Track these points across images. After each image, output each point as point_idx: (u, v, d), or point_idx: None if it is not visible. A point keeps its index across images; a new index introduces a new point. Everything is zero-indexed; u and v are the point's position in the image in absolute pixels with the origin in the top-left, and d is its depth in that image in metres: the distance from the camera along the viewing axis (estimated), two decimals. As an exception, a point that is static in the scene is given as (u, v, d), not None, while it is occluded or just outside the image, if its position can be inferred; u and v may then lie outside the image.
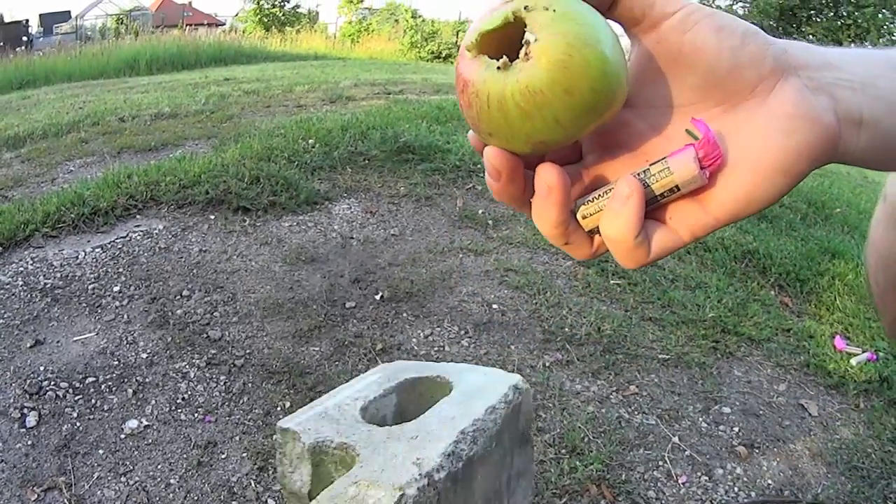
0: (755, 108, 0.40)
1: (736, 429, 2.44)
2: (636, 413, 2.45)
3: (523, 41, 0.37)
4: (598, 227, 0.43)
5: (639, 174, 0.41)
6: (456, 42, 21.85)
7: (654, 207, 0.42)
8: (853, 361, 2.87)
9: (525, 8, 0.38)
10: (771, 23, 15.42)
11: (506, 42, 0.39)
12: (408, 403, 1.36)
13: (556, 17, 0.37)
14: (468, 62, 0.40)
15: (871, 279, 0.71)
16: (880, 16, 14.62)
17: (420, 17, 25.44)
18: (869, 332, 3.11)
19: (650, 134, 0.44)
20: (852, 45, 14.51)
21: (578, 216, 0.44)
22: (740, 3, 16.84)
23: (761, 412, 2.55)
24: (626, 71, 0.39)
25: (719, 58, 0.39)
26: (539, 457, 2.18)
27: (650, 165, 0.41)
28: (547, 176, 0.41)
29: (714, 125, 0.40)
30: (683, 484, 2.16)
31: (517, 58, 0.37)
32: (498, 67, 0.38)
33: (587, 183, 0.46)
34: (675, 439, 2.34)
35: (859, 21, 14.63)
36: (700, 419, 2.47)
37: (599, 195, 0.43)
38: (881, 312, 0.70)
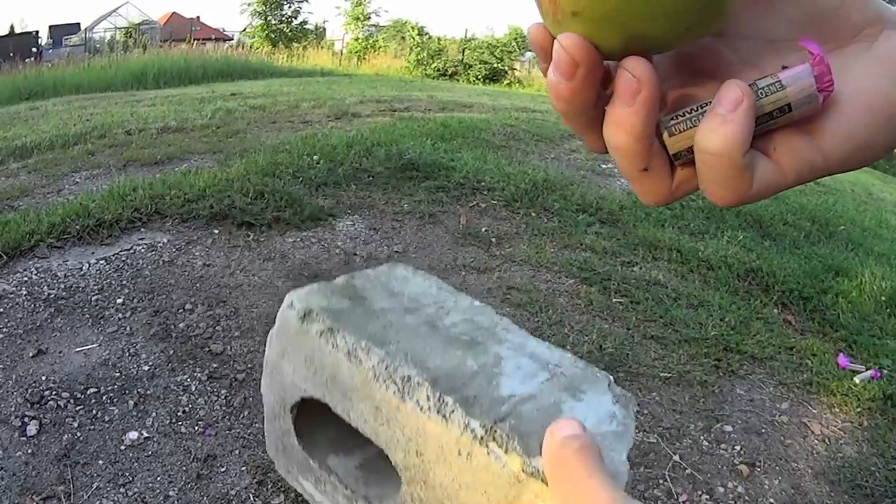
0: (861, 53, 0.36)
1: (738, 447, 2.43)
2: (637, 431, 2.44)
3: None
4: (687, 150, 0.36)
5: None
6: (462, 60, 21.94)
7: (759, 133, 0.35)
8: (856, 379, 2.86)
9: None
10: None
11: None
12: None
13: None
14: None
15: None
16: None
17: (426, 34, 25.53)
18: (872, 349, 3.11)
19: (741, 67, 0.39)
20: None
21: (664, 134, 0.36)
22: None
23: (763, 430, 2.54)
24: None
25: None
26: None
27: (756, 80, 0.34)
28: (637, 68, 0.34)
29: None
30: (684, 503, 2.15)
31: None
32: None
33: (669, 106, 0.39)
34: (676, 458, 2.34)
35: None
36: (701, 438, 2.46)
37: (693, 110, 0.36)
38: None
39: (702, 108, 0.35)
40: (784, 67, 0.35)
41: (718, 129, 0.33)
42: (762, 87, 0.34)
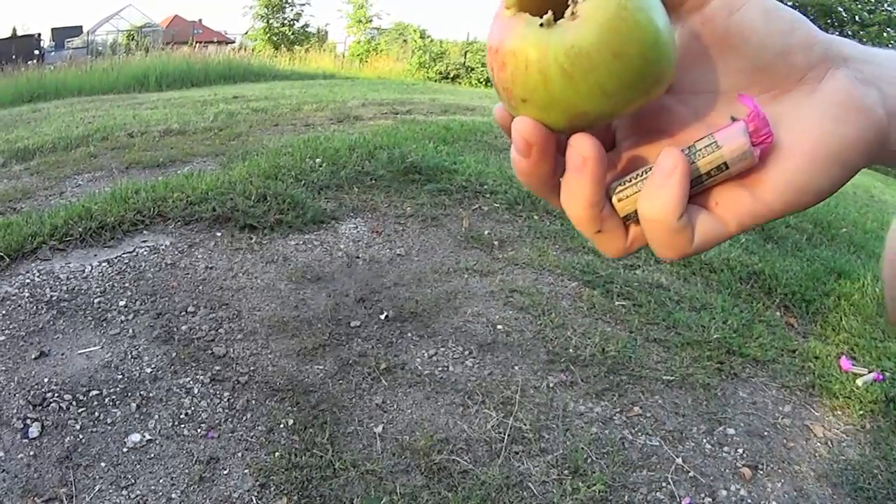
0: (804, 97, 0.38)
1: (740, 450, 2.43)
2: (640, 434, 2.44)
3: None
4: (634, 212, 0.39)
5: (683, 150, 0.37)
6: (464, 63, 21.95)
7: (699, 191, 0.38)
8: (859, 382, 2.85)
9: None
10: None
11: (547, 5, 0.35)
12: None
13: None
14: (505, 20, 0.36)
15: (886, 295, 0.69)
16: (885, 34, 14.65)
17: (428, 37, 25.58)
18: (875, 352, 3.10)
19: (692, 120, 0.41)
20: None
21: (613, 199, 0.40)
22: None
23: (766, 433, 2.54)
24: (675, 46, 0.37)
25: (768, 41, 0.37)
26: (542, 477, 2.17)
27: (695, 142, 0.38)
28: (582, 146, 0.37)
29: (762, 110, 0.37)
30: (687, 506, 2.15)
31: (562, 17, 0.34)
32: (541, 24, 0.34)
33: (622, 168, 0.42)
34: (679, 461, 2.33)
35: (864, 40, 14.65)
36: (704, 440, 2.46)
37: (637, 175, 0.39)
38: (891, 318, 0.68)
39: (645, 173, 0.38)
40: (733, 119, 0.38)
41: (654, 198, 0.37)
42: (699, 149, 0.37)
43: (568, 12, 0.34)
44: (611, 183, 0.40)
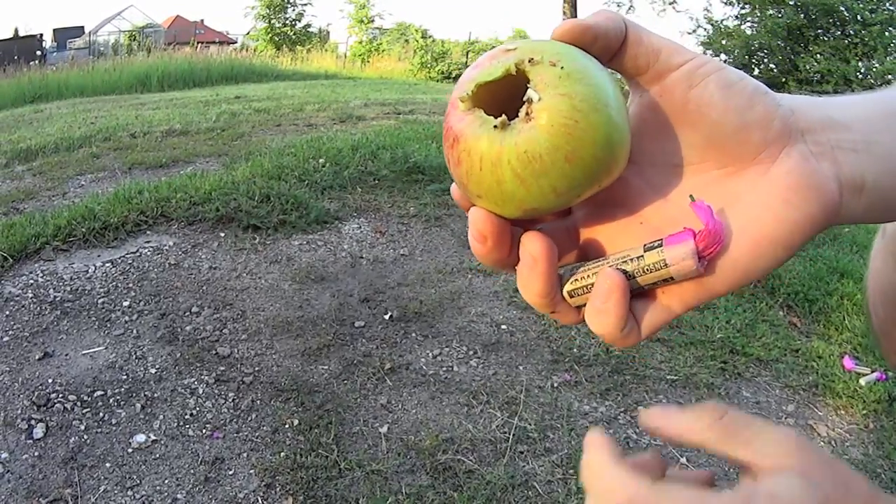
0: (758, 177, 0.38)
1: (744, 451, 2.43)
2: (644, 434, 2.44)
3: (525, 98, 0.34)
4: (584, 304, 0.41)
5: (629, 260, 0.38)
6: (466, 63, 21.95)
7: (643, 291, 0.40)
8: (862, 381, 2.85)
9: (529, 61, 0.35)
10: (779, 42, 15.41)
11: (504, 94, 0.36)
12: None
13: (562, 74, 0.34)
14: (460, 115, 0.37)
15: (870, 308, 0.70)
16: (887, 34, 14.61)
17: (430, 37, 25.60)
18: (878, 351, 3.10)
19: (648, 193, 0.42)
20: (860, 63, 14.50)
21: (564, 292, 0.41)
22: (748, 23, 16.83)
23: (770, 434, 2.53)
24: (629, 135, 0.37)
25: (725, 118, 0.37)
26: (547, 477, 2.17)
27: (645, 252, 0.38)
28: (532, 247, 0.39)
29: (715, 189, 0.39)
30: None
31: (516, 115, 0.34)
32: (495, 126, 0.35)
33: (576, 242, 0.44)
34: (683, 460, 2.33)
35: (866, 39, 14.61)
36: (708, 441, 2.46)
37: (586, 273, 0.40)
38: (881, 341, 0.69)
39: (592, 273, 0.40)
40: (692, 199, 0.38)
41: (597, 318, 0.39)
42: (648, 265, 0.38)
43: (522, 112, 0.34)
44: (562, 269, 0.41)
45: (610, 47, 0.38)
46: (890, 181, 0.38)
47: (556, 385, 2.66)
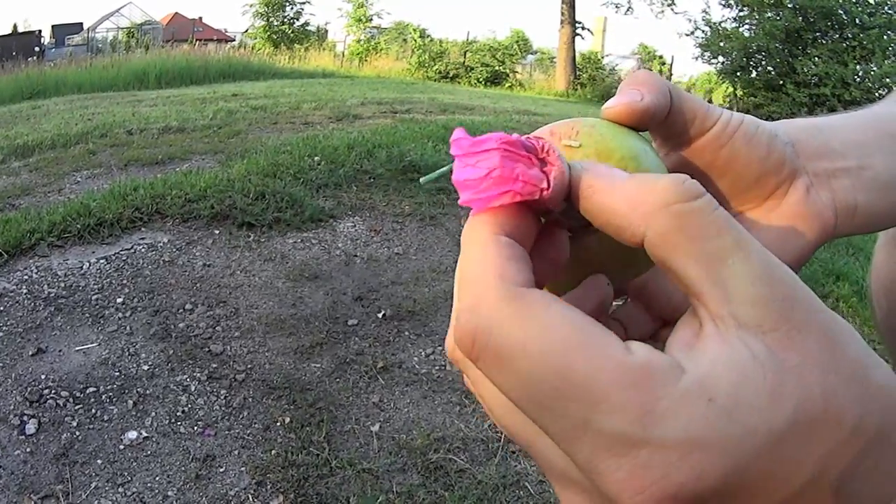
0: (770, 212, 0.42)
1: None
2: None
3: None
4: None
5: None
6: (464, 62, 21.95)
7: None
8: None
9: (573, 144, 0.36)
10: (777, 45, 15.42)
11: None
12: None
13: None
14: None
15: (874, 303, 0.71)
16: (885, 37, 14.63)
17: (428, 36, 25.57)
18: (878, 350, 3.10)
19: None
20: (858, 66, 14.53)
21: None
22: (746, 26, 16.85)
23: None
24: None
25: (749, 169, 0.41)
26: (538, 477, 2.17)
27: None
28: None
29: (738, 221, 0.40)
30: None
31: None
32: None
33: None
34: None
35: (864, 43, 14.64)
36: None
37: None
38: (885, 336, 0.70)
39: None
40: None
41: None
42: None
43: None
44: None
45: (657, 120, 0.40)
46: (880, 202, 0.43)
47: (548, 385, 2.65)
